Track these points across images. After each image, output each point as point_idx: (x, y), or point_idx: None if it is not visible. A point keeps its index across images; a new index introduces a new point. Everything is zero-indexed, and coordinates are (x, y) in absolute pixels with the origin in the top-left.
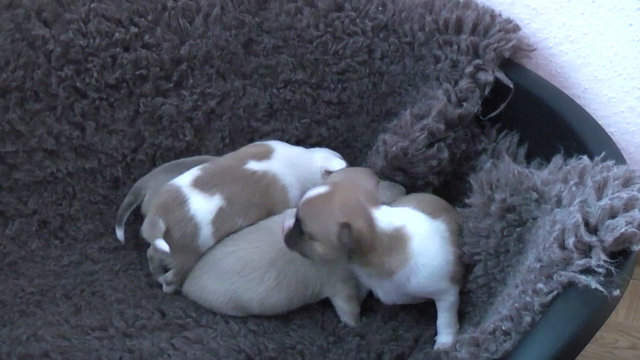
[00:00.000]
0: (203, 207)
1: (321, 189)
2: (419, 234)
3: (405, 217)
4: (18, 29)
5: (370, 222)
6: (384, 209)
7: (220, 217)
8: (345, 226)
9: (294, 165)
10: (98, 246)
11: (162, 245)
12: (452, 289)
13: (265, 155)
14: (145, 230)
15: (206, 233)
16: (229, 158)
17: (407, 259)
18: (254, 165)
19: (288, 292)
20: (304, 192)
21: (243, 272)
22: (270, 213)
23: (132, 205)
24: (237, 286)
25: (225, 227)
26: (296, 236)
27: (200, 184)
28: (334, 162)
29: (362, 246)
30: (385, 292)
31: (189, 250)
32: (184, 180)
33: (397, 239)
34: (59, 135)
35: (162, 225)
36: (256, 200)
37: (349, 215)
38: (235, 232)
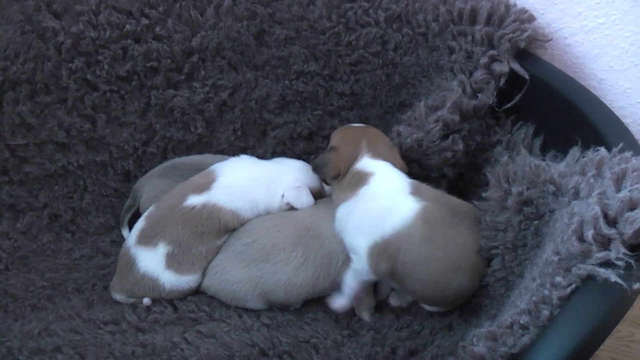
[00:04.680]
0: (150, 262)
1: (357, 124)
2: (378, 186)
3: (380, 170)
4: (28, 21)
5: (352, 157)
6: (380, 162)
7: (173, 259)
8: (332, 149)
9: (244, 188)
10: (109, 239)
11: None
12: (362, 254)
13: (206, 186)
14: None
15: (168, 278)
16: (173, 195)
17: (352, 195)
18: (193, 200)
19: (314, 269)
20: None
21: (269, 257)
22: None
23: (132, 208)
24: (264, 271)
25: (186, 261)
26: None
27: (143, 239)
28: (301, 201)
29: (331, 171)
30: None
31: (169, 294)
32: (132, 239)
33: (357, 179)
34: (70, 128)
35: (123, 299)
36: (202, 229)
37: (341, 144)
38: (209, 254)
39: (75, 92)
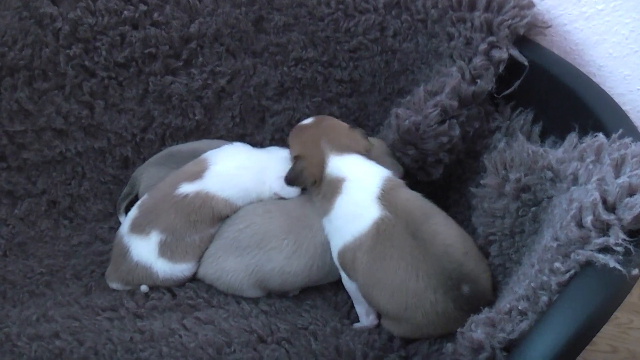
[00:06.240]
0: (143, 250)
1: (308, 121)
2: (350, 192)
3: (351, 172)
4: (26, 7)
5: (320, 160)
6: (349, 157)
7: (166, 247)
8: (298, 158)
9: (235, 176)
10: (108, 226)
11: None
12: (335, 261)
13: (198, 174)
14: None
15: (162, 266)
16: (166, 183)
17: (330, 208)
18: (185, 189)
19: (307, 258)
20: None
21: (262, 244)
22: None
23: (129, 196)
24: (258, 259)
25: (180, 250)
26: None
27: (136, 227)
28: (287, 191)
29: (308, 179)
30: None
31: (163, 282)
32: (124, 227)
33: (332, 188)
34: (68, 114)
35: (120, 287)
36: (195, 218)
37: (304, 150)
38: (202, 243)
39: (73, 78)
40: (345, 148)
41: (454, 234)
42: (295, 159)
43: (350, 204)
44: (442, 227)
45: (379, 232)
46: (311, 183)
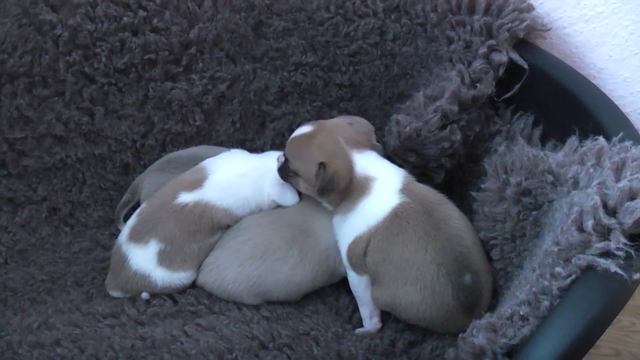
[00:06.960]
0: (141, 259)
1: (306, 129)
2: (377, 193)
3: (379, 172)
4: (25, 14)
5: (349, 163)
6: (368, 154)
7: (165, 256)
8: (322, 166)
9: (233, 185)
10: (109, 233)
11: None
12: (344, 254)
13: (197, 183)
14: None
15: (160, 275)
16: (164, 192)
17: (351, 209)
18: (184, 198)
19: (312, 266)
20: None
21: (265, 256)
22: (225, 229)
23: (129, 203)
24: (261, 271)
25: (178, 259)
26: (286, 170)
27: (135, 236)
28: (286, 198)
29: (341, 183)
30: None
31: (161, 290)
32: (123, 236)
33: (360, 188)
34: (68, 121)
35: (120, 295)
36: (195, 228)
37: (327, 155)
38: (201, 252)
39: (73, 85)
40: (361, 145)
41: (466, 224)
42: (320, 166)
43: (374, 202)
44: (455, 213)
45: (397, 214)
46: (344, 187)
